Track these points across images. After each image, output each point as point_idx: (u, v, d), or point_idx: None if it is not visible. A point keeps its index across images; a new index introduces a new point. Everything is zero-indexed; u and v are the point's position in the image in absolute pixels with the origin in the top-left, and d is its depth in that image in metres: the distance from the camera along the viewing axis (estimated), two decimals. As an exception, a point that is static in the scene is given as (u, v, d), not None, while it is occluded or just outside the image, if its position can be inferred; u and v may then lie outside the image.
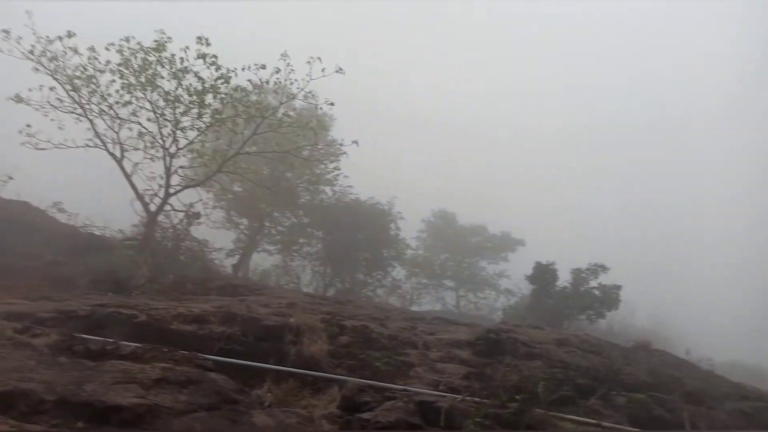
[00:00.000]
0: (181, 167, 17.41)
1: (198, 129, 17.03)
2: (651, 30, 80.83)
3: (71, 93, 15.98)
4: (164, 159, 16.70)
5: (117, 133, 16.40)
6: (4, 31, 15.18)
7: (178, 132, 16.68)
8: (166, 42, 16.06)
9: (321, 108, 18.84)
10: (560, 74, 78.75)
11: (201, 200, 19.15)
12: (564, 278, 21.10)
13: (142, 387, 5.79)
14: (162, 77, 16.22)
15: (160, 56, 16.04)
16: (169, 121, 16.51)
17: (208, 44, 15.97)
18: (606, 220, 53.68)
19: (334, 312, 11.11)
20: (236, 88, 16.74)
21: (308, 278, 25.16)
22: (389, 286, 26.44)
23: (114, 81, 16.11)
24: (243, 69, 16.54)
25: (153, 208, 16.55)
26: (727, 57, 66.36)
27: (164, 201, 16.65)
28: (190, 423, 5.49)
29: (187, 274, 15.04)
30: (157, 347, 7.00)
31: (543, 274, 21.08)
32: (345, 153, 20.47)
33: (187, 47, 16.02)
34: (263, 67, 16.58)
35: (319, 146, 21.06)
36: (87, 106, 16.13)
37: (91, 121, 16.23)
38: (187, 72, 16.15)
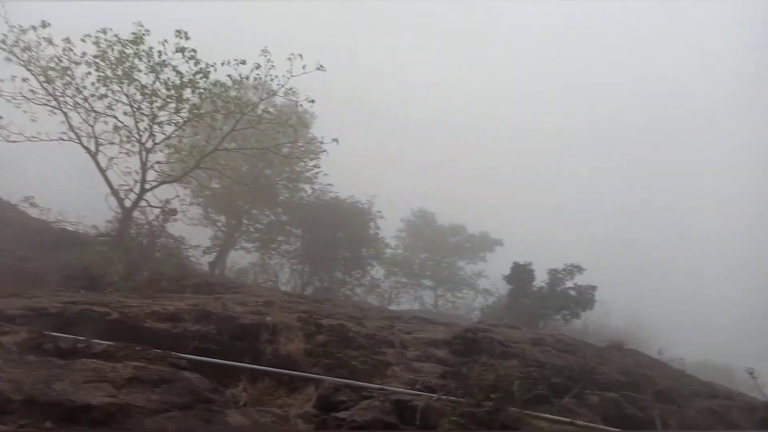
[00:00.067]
0: (157, 162, 17.24)
1: (175, 124, 16.81)
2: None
3: (45, 85, 15.70)
4: (140, 154, 16.48)
5: (92, 126, 16.18)
6: (-26, 20, 14.83)
7: (155, 126, 16.47)
8: (144, 35, 15.83)
9: (301, 105, 18.82)
10: (544, 74, 79.61)
11: (178, 196, 18.91)
12: (541, 278, 21.36)
13: (114, 386, 5.68)
14: (139, 70, 16.01)
15: (137, 49, 15.82)
16: (146, 115, 16.28)
17: (187, 38, 15.80)
18: (584, 222, 54.50)
19: (312, 311, 11.05)
20: (215, 83, 16.57)
21: (286, 276, 25.09)
22: (368, 285, 26.45)
23: (90, 73, 15.87)
24: (222, 64, 16.41)
25: (128, 203, 16.30)
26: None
27: (140, 197, 16.40)
28: (163, 422, 5.40)
29: (163, 272, 14.81)
30: (129, 345, 6.87)
31: (520, 274, 21.29)
32: (325, 151, 20.48)
33: (165, 41, 15.82)
34: (243, 62, 16.47)
35: (299, 144, 20.95)
36: (61, 99, 15.88)
37: (65, 113, 15.98)
38: (165, 66, 15.94)
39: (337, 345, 9.20)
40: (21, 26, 15.29)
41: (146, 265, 15.25)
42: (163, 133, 16.79)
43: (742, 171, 56.11)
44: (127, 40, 15.76)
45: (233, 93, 17.17)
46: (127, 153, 16.51)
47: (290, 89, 17.30)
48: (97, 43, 15.72)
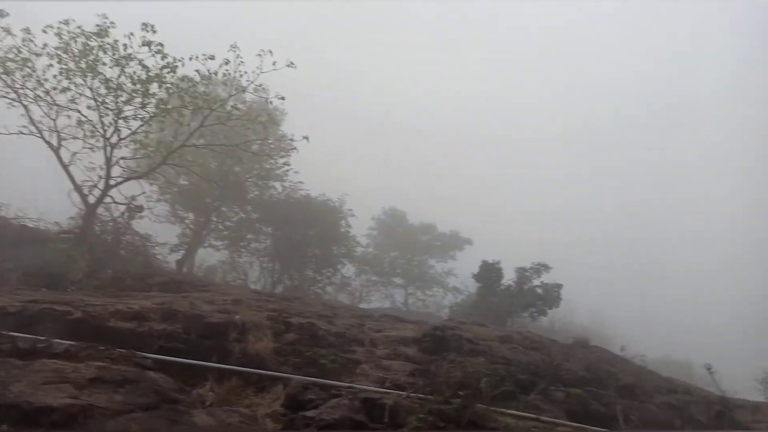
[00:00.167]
0: (122, 158, 16.81)
1: (141, 119, 16.46)
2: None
3: (3, 76, 15.18)
4: (105, 149, 16.09)
5: (54, 120, 15.73)
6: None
7: (120, 121, 16.10)
8: (109, 27, 15.45)
9: (272, 102, 18.62)
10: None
11: (144, 193, 18.53)
12: (509, 277, 21.68)
13: (75, 387, 5.55)
14: (104, 64, 15.61)
15: (102, 42, 15.42)
16: (111, 109, 15.89)
17: (153, 31, 15.47)
18: (551, 222, 55.54)
19: (281, 309, 10.98)
20: (183, 78, 16.29)
21: (256, 275, 24.86)
22: (338, 283, 26.41)
23: (51, 65, 15.39)
24: (191, 59, 16.14)
25: (92, 200, 15.91)
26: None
27: (104, 193, 16.02)
28: (126, 423, 5.30)
29: (128, 270, 14.48)
30: (92, 345, 6.71)
31: (489, 273, 21.58)
32: (295, 149, 20.38)
33: (131, 33, 15.48)
34: (212, 57, 16.24)
35: (269, 141, 20.77)
36: (21, 91, 15.40)
37: (25, 107, 15.51)
38: (131, 59, 15.60)
39: (306, 343, 9.16)
40: (-24, 16, 14.75)
41: (111, 263, 14.88)
42: (129, 129, 16.44)
43: (722, 172, 57.75)
44: (91, 33, 15.36)
45: (202, 88, 16.90)
46: (91, 148, 16.10)
47: (260, 86, 17.14)
48: (59, 35, 15.28)
